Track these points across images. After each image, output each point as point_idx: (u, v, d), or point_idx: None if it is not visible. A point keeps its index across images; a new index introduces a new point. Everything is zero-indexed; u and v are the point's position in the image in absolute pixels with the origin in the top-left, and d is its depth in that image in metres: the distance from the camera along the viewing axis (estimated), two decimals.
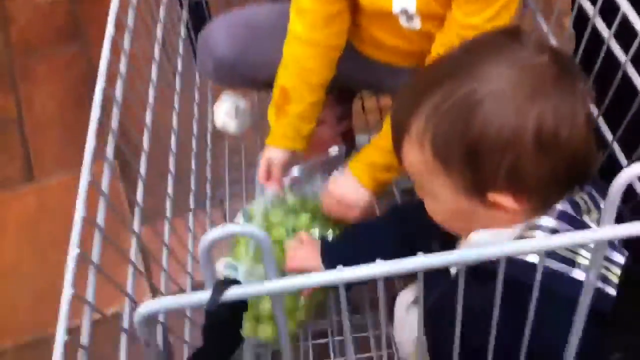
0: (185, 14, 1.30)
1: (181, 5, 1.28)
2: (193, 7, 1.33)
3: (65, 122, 2.04)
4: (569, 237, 0.57)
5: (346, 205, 1.10)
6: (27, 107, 2.09)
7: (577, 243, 0.63)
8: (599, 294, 0.65)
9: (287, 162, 1.13)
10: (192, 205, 1.18)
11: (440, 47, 1.00)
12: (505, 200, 0.68)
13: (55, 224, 1.81)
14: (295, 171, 1.13)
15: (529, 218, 0.70)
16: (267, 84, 1.14)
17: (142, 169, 0.96)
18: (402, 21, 1.03)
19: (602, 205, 0.73)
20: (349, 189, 1.09)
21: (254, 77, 1.22)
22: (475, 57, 0.69)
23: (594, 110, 0.91)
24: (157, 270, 0.99)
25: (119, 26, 0.96)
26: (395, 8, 1.01)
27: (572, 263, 0.67)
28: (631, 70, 0.87)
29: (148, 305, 0.54)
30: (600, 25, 0.94)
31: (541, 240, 0.61)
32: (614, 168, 0.86)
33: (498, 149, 0.65)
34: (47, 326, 1.59)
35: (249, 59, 1.19)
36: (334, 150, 1.16)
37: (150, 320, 0.55)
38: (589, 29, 0.96)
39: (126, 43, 0.96)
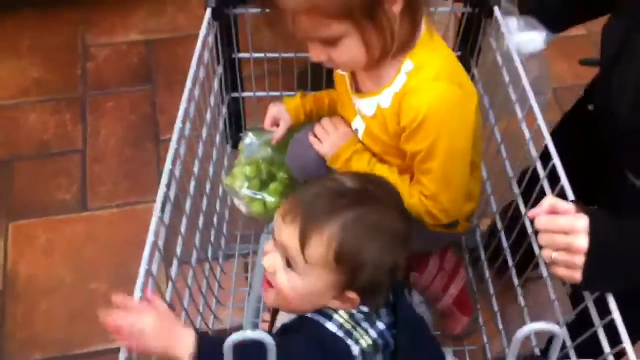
0: (224, 110, 1.49)
1: (223, 102, 1.47)
2: (231, 103, 1.52)
3: (122, 159, 2.18)
4: None
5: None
6: (92, 139, 2.24)
7: None
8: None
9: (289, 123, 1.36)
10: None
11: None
12: (353, 296, 0.90)
13: (99, 253, 1.94)
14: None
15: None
16: None
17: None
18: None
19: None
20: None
21: None
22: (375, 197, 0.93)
23: None
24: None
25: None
26: (354, 125, 1.21)
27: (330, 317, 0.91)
28: None
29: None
30: None
31: None
32: None
33: (371, 271, 0.88)
34: (75, 345, 1.73)
35: None
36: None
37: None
38: None
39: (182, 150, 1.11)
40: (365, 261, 0.88)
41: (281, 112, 1.36)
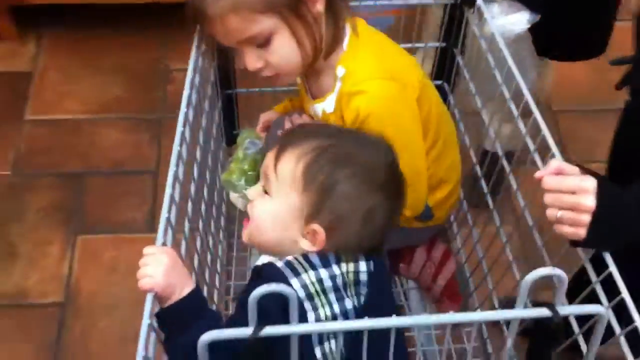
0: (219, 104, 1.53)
1: (218, 98, 1.52)
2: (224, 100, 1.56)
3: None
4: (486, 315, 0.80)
5: None
6: (165, 161, 2.25)
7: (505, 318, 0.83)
8: None
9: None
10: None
11: None
12: (318, 228, 0.88)
13: None
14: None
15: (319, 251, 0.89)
16: None
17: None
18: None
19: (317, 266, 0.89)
20: None
21: None
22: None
23: None
24: None
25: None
26: (310, 110, 1.23)
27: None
28: None
29: (211, 334, 0.70)
30: None
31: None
32: None
33: (338, 203, 0.88)
34: None
35: None
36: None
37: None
38: None
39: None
40: (333, 187, 0.88)
41: (273, 115, 1.42)
